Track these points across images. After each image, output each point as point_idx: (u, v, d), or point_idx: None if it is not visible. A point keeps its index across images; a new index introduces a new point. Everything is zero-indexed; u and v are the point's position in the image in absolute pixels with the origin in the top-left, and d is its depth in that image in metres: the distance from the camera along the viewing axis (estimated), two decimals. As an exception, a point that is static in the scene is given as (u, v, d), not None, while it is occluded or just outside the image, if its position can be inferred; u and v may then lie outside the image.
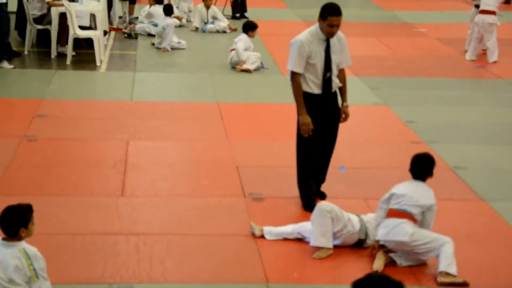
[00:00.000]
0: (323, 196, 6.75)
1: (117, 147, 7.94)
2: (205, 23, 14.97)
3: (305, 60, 6.38)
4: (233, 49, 11.80)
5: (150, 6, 14.42)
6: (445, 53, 13.59)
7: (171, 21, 13.11)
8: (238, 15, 16.41)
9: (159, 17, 13.60)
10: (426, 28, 16.10)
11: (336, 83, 6.53)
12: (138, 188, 6.93)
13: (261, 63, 11.82)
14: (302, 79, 6.44)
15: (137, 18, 15.00)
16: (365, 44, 14.31)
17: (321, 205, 5.82)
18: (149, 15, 14.29)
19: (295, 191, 6.93)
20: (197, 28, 14.99)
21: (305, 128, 6.40)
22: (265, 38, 13.89)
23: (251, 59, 11.63)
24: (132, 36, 14.05)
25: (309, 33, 6.48)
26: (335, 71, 6.49)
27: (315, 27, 6.49)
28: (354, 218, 5.94)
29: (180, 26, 15.04)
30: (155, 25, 13.71)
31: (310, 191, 6.64)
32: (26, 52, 12.11)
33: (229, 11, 16.62)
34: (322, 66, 6.40)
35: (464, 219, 6.60)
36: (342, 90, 6.65)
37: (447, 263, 5.43)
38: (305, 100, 6.42)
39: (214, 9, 15.18)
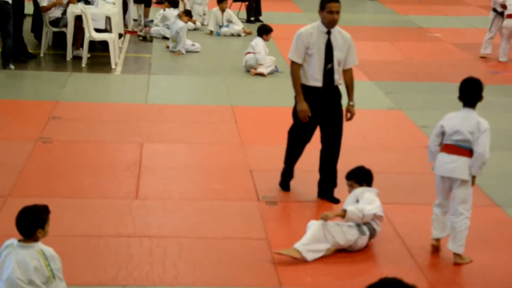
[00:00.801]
0: (336, 201, 6.76)
1: (131, 149, 7.97)
2: (220, 27, 15.00)
3: (304, 51, 6.61)
4: (249, 52, 11.81)
5: (165, 9, 14.46)
6: (460, 58, 13.53)
7: (184, 24, 13.14)
8: (252, 18, 16.44)
9: (172, 20, 13.65)
10: (441, 33, 16.05)
11: (337, 78, 6.68)
12: (152, 191, 6.95)
13: (276, 67, 11.84)
14: (302, 72, 6.65)
15: (152, 21, 15.05)
16: (380, 48, 14.29)
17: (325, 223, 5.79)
18: (164, 18, 14.34)
19: (309, 195, 6.94)
20: (212, 32, 15.02)
21: (302, 115, 6.63)
22: (279, 41, 13.89)
23: (266, 63, 11.65)
24: (147, 39, 14.10)
25: (310, 26, 6.75)
26: (336, 66, 6.64)
27: (318, 21, 6.73)
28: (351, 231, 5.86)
29: (195, 29, 15.08)
30: (170, 28, 13.75)
31: (289, 172, 7.00)
32: (42, 55, 12.18)
33: (243, 14, 16.64)
34: (322, 58, 6.58)
35: (479, 225, 6.56)
36: (349, 89, 6.81)
37: (462, 243, 5.67)
38: (306, 94, 6.62)
39: (229, 12, 15.21)
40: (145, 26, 14.96)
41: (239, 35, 14.91)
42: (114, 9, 12.63)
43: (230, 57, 12.82)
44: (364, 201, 5.94)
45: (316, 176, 7.22)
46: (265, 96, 10.54)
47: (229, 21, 15.11)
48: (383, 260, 5.81)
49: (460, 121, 5.79)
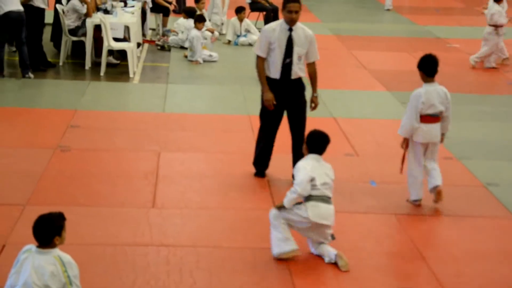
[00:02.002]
0: None
1: (148, 158, 8.00)
2: (238, 36, 15.05)
3: (267, 45, 7.20)
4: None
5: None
6: (478, 68, 13.47)
7: (197, 33, 13.17)
8: (270, 28, 16.45)
9: (190, 30, 13.72)
10: (460, 43, 15.99)
11: (296, 72, 7.25)
12: (169, 199, 6.97)
13: None
14: (266, 65, 7.26)
15: (170, 30, 15.12)
16: (397, 59, 14.26)
17: (271, 213, 5.82)
18: (182, 28, 14.40)
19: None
20: (229, 41, 15.07)
21: (267, 103, 7.27)
22: (297, 51, 13.90)
23: None
24: (165, 48, 14.17)
25: (275, 23, 7.39)
26: (296, 60, 7.21)
27: (282, 19, 7.31)
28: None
29: (213, 38, 15.14)
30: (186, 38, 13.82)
31: (260, 159, 7.57)
32: (61, 63, 12.27)
33: (262, 24, 16.68)
34: (282, 52, 7.16)
35: (496, 236, 6.53)
36: (313, 82, 7.46)
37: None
38: (269, 85, 7.25)
39: (247, 22, 15.25)
40: (163, 35, 15.03)
41: (256, 45, 14.93)
42: (132, 19, 12.71)
43: (248, 67, 12.83)
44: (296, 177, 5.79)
45: (335, 186, 7.23)
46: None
47: (247, 31, 15.16)
48: (399, 270, 5.79)
49: (432, 96, 6.85)
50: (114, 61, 12.29)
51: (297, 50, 7.20)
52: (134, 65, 12.09)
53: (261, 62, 7.27)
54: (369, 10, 21.19)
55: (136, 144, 8.46)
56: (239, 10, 15.06)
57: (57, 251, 4.30)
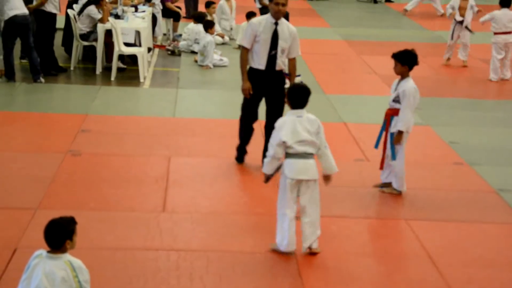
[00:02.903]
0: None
1: (159, 163, 8.01)
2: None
3: (253, 38, 7.63)
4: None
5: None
6: (489, 74, 13.41)
7: (211, 38, 13.21)
8: (280, 33, 16.47)
9: (200, 35, 13.74)
10: (470, 48, 15.93)
11: (279, 64, 7.69)
12: (179, 204, 6.98)
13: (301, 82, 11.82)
14: (250, 56, 7.71)
15: (180, 35, 15.15)
16: (408, 63, 14.22)
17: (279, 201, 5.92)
18: (192, 33, 14.42)
19: (335, 210, 6.92)
20: (240, 46, 15.06)
21: (244, 92, 7.79)
22: (306, 56, 13.90)
23: None
24: (175, 53, 14.20)
25: (262, 17, 7.84)
26: (280, 53, 7.65)
27: (269, 13, 7.68)
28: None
29: (223, 43, 15.15)
30: (197, 43, 13.84)
31: (243, 148, 8.06)
32: (72, 68, 12.32)
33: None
34: (268, 44, 7.60)
35: (508, 243, 6.50)
36: (291, 75, 7.87)
37: None
38: (252, 74, 7.74)
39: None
40: (174, 40, 15.07)
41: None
42: (143, 24, 12.75)
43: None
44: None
45: (342, 192, 7.24)
46: (293, 111, 10.53)
47: (257, 36, 15.16)
48: (409, 275, 5.77)
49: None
50: (121, 65, 12.32)
51: (281, 44, 7.63)
52: (145, 70, 12.12)
53: (245, 53, 7.74)
54: (379, 15, 21.17)
55: (147, 149, 8.48)
56: (250, 15, 15.08)
57: (67, 256, 4.31)
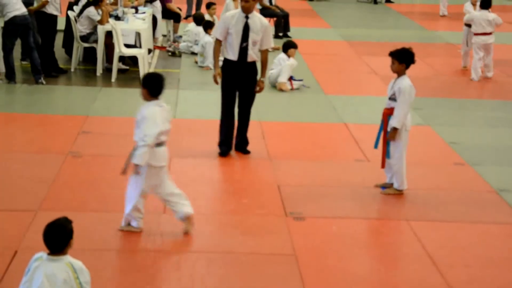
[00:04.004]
0: (248, 152, 8.37)
1: (159, 164, 8.00)
2: (248, 42, 15.05)
3: (225, 30, 8.11)
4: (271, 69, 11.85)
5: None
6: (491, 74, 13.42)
7: (210, 39, 13.20)
8: (281, 34, 16.48)
9: (200, 35, 13.74)
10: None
11: (251, 55, 8.12)
12: (180, 205, 6.97)
13: (303, 85, 11.82)
14: (224, 46, 8.19)
15: (181, 36, 15.16)
16: (408, 64, 14.21)
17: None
18: (192, 34, 14.42)
19: (336, 210, 6.93)
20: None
21: (214, 79, 8.29)
22: (307, 57, 13.91)
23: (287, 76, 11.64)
24: (175, 54, 14.20)
25: (234, 11, 8.38)
26: (251, 45, 8.08)
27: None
28: None
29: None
30: (197, 44, 13.84)
31: (224, 139, 8.29)
32: (72, 70, 12.32)
33: (272, 30, 16.70)
34: (239, 37, 8.06)
35: (509, 243, 6.50)
36: (262, 67, 8.29)
37: None
38: (225, 65, 8.22)
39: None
40: (174, 41, 15.07)
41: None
42: (143, 25, 12.75)
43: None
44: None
45: (342, 192, 7.26)
46: (293, 112, 10.55)
47: (258, 37, 15.16)
48: (410, 276, 5.77)
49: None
50: (123, 67, 12.33)
51: (252, 36, 8.08)
52: (145, 71, 12.11)
53: (218, 44, 8.26)
54: (379, 16, 21.17)
55: (147, 150, 8.46)
56: None
57: (68, 258, 4.31)
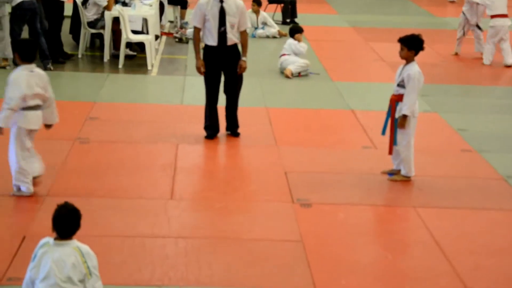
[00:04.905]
0: (238, 135, 8.45)
1: (166, 150, 8.03)
2: (255, 28, 15.03)
3: (202, 17, 8.16)
4: (283, 55, 11.82)
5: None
6: (498, 61, 13.35)
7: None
8: (288, 20, 16.43)
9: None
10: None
11: (231, 38, 8.17)
12: (187, 191, 7.00)
13: (311, 72, 11.80)
14: (203, 33, 8.24)
15: (187, 23, 15.13)
16: (416, 50, 14.16)
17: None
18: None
19: (343, 197, 6.93)
20: (246, 34, 15.03)
21: (197, 70, 8.32)
22: (314, 43, 13.87)
23: (297, 63, 11.61)
24: (183, 40, 14.18)
25: None
26: (229, 28, 8.14)
27: None
28: None
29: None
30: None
31: (210, 123, 8.37)
32: (80, 56, 12.33)
33: (279, 16, 16.66)
34: (216, 22, 8.11)
35: (515, 230, 6.50)
36: (243, 47, 8.32)
37: None
38: (206, 51, 8.27)
39: (264, 14, 15.23)
40: (181, 27, 15.05)
41: (274, 37, 14.92)
42: (151, 11, 12.73)
43: (265, 59, 12.84)
44: None
45: (349, 179, 7.26)
46: (300, 98, 10.54)
47: (264, 23, 15.13)
48: (417, 262, 5.78)
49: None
50: (131, 52, 12.33)
51: (229, 19, 8.13)
52: (152, 58, 12.11)
53: (197, 32, 8.32)
54: (386, 2, 21.06)
55: (154, 136, 8.49)
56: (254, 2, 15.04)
57: (75, 242, 4.32)
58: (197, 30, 8.30)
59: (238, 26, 8.23)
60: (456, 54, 13.70)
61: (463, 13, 13.53)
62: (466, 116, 9.86)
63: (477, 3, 13.22)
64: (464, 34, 13.55)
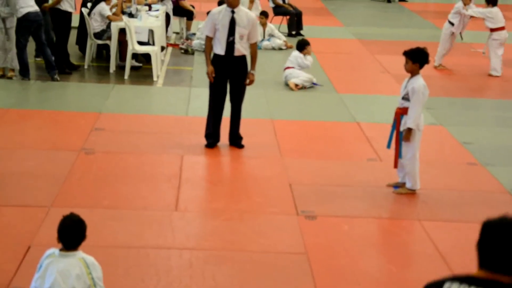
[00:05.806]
0: (242, 147, 8.50)
1: (172, 161, 8.04)
2: (262, 40, 15.06)
3: (213, 26, 8.26)
4: (288, 67, 11.84)
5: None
6: (503, 74, 13.37)
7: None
8: (294, 32, 16.48)
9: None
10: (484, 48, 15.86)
11: (239, 49, 8.24)
12: (192, 203, 7.00)
13: (313, 83, 11.82)
14: (213, 42, 8.33)
15: (194, 34, 15.18)
16: (421, 63, 14.16)
17: None
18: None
19: (348, 209, 6.92)
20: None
21: (208, 75, 8.34)
22: (320, 56, 13.89)
23: (300, 76, 11.65)
24: (188, 52, 14.22)
25: (221, 6, 8.47)
26: (238, 39, 8.21)
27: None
28: None
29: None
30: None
31: (212, 131, 8.45)
32: (86, 67, 12.37)
33: (285, 28, 16.70)
34: (226, 32, 8.19)
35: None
36: (252, 60, 8.40)
37: None
38: (214, 60, 8.34)
39: (271, 26, 15.26)
40: (187, 39, 15.09)
41: (280, 49, 14.96)
42: (157, 22, 12.78)
43: (271, 71, 12.86)
44: None
45: (354, 191, 7.24)
46: (306, 110, 10.54)
47: (271, 35, 15.17)
48: (422, 275, 5.75)
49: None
50: (137, 64, 12.37)
51: (238, 30, 8.20)
52: (158, 69, 12.15)
53: (208, 41, 8.40)
54: (392, 14, 21.12)
55: (160, 147, 8.50)
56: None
57: (80, 253, 4.32)
58: (208, 39, 8.38)
59: (248, 38, 8.29)
60: (440, 66, 13.65)
61: (451, 24, 13.64)
62: (472, 129, 9.85)
63: (471, 16, 13.35)
64: (451, 45, 13.63)
